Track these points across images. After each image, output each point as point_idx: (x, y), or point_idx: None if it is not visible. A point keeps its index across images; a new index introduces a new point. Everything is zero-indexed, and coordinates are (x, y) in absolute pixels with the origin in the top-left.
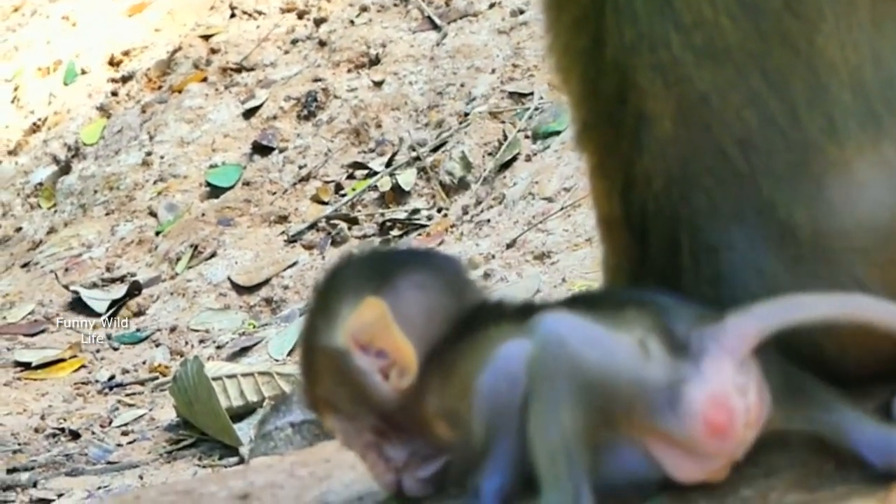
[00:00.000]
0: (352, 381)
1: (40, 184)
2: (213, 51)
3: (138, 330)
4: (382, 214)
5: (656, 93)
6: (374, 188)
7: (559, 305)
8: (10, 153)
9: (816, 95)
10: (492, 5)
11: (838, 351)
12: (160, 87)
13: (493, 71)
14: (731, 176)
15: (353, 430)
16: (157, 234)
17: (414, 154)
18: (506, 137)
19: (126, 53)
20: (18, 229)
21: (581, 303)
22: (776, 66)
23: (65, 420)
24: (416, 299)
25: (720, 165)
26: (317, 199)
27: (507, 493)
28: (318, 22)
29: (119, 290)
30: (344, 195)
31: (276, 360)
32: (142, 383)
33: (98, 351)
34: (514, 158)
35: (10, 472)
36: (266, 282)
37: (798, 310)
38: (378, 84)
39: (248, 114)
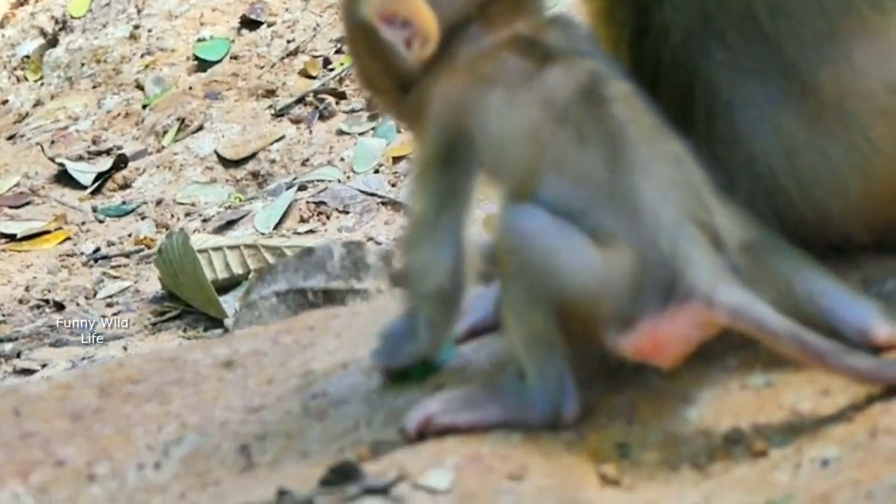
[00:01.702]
0: (382, 54)
1: (27, 56)
2: None
3: (124, 203)
4: None
5: None
6: None
7: None
8: None
9: None
10: None
11: (845, 213)
12: None
13: None
14: (756, 36)
15: (391, 103)
16: (144, 107)
17: None
18: None
19: None
20: (5, 102)
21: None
22: None
23: (49, 292)
24: None
25: (746, 24)
26: (305, 74)
27: None
28: None
29: (105, 163)
30: (332, 69)
31: (262, 234)
32: (127, 256)
33: (83, 223)
34: None
35: None
36: (253, 155)
37: (769, 324)
38: None
39: None
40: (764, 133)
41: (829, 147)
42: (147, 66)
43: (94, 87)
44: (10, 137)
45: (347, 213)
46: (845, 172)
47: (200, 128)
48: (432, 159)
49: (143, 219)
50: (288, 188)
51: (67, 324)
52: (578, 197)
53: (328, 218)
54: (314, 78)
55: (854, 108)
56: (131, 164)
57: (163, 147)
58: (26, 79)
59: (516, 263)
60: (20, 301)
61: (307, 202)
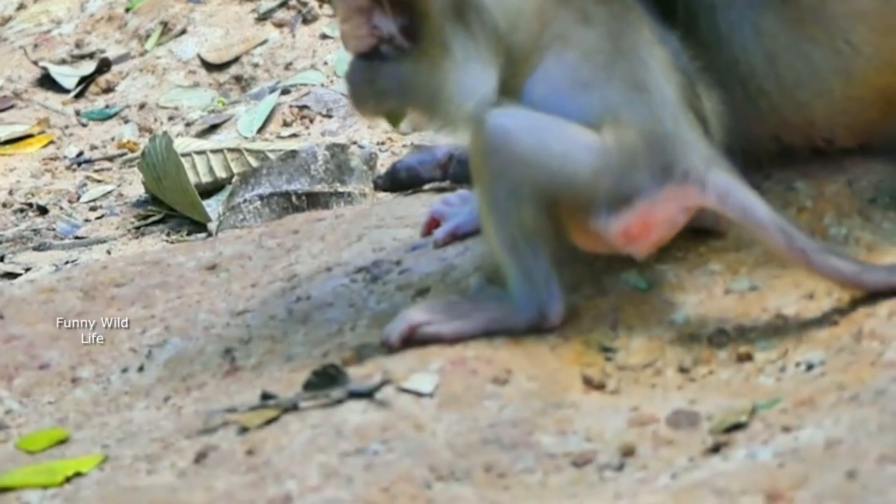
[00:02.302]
0: None
1: None
2: None
3: (107, 106)
4: None
5: None
6: None
7: None
8: None
9: None
10: None
11: (827, 115)
12: None
13: None
14: None
15: None
16: (127, 10)
17: None
18: None
19: None
20: None
21: None
22: None
23: (33, 195)
24: None
25: None
26: None
27: None
28: None
29: (88, 67)
30: None
31: (246, 138)
32: (110, 159)
33: (66, 127)
34: None
35: None
36: (236, 59)
37: (756, 212)
38: None
39: None
40: (745, 36)
41: (810, 50)
42: None
43: None
44: None
45: (331, 116)
46: (827, 75)
47: (183, 31)
48: (451, 23)
49: (126, 123)
50: (271, 92)
51: (51, 228)
52: (584, 71)
53: (311, 122)
54: None
55: (834, 10)
56: (114, 68)
57: (146, 51)
58: None
59: (500, 162)
60: (3, 205)
61: (290, 106)
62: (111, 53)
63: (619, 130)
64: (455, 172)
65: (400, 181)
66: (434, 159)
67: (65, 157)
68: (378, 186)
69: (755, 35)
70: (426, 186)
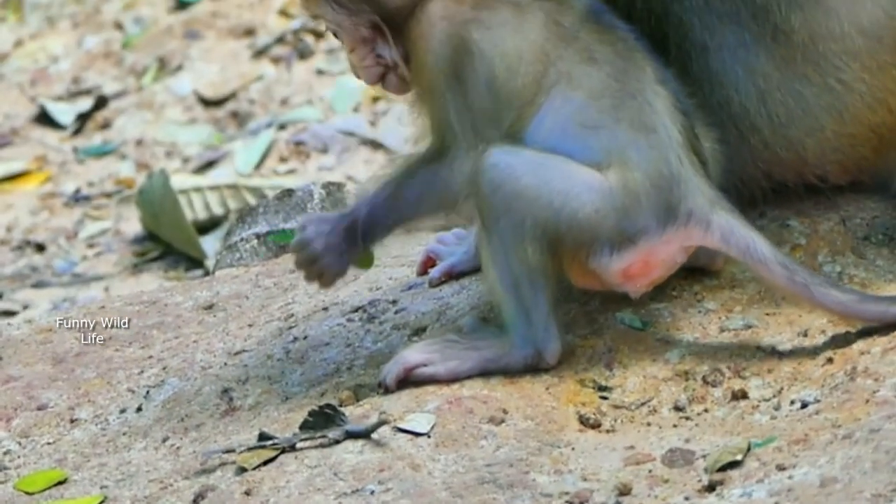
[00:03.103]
0: None
1: None
2: None
3: (104, 143)
4: None
5: None
6: None
7: None
8: None
9: None
10: None
11: (819, 152)
12: None
13: None
14: None
15: (351, 25)
16: (124, 47)
17: None
18: None
19: None
20: None
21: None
22: None
23: (30, 232)
24: None
25: None
26: (284, 13)
27: None
28: None
29: (85, 103)
30: None
31: (242, 174)
32: (107, 196)
33: (64, 163)
34: None
35: None
36: (232, 95)
37: (758, 249)
38: None
39: None
40: (737, 75)
41: (802, 88)
42: (126, 6)
43: (74, 27)
44: None
45: (327, 152)
46: (818, 112)
47: (180, 68)
48: (443, 76)
49: (123, 159)
50: (268, 128)
51: (49, 265)
52: (591, 112)
53: (308, 157)
54: (293, 17)
55: (826, 50)
56: (111, 104)
57: (142, 87)
58: (6, 19)
59: (502, 199)
60: (1, 242)
61: (287, 142)
62: (108, 90)
63: (625, 172)
64: None
65: None
66: None
67: (62, 194)
68: None
69: (747, 74)
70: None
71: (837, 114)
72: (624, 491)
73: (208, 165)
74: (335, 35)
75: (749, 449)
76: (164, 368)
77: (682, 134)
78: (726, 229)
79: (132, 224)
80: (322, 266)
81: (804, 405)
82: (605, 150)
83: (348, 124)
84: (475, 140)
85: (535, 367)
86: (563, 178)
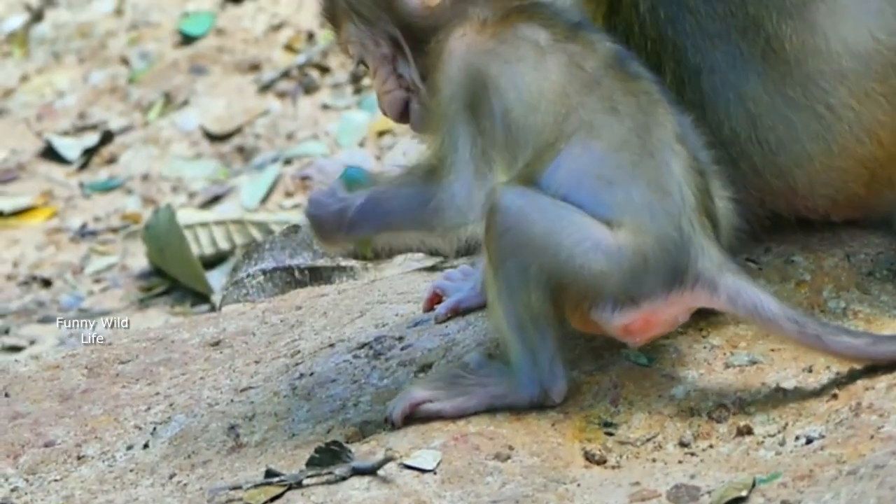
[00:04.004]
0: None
1: (13, 32)
2: None
3: (110, 178)
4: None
5: None
6: None
7: None
8: None
9: None
10: None
11: (808, 183)
12: None
13: None
14: None
15: (371, 40)
16: (130, 82)
17: None
18: None
19: None
20: None
21: None
22: None
23: (37, 268)
24: None
25: None
26: (289, 48)
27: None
28: None
29: (91, 138)
30: (316, 44)
31: (248, 209)
32: (114, 231)
33: (70, 199)
34: None
35: None
36: (238, 130)
37: (765, 308)
38: None
39: None
40: (728, 99)
41: (790, 113)
42: (132, 41)
43: (79, 63)
44: None
45: None
46: (806, 140)
47: (186, 102)
48: (458, 106)
49: (129, 194)
50: (273, 162)
51: (55, 300)
52: (610, 167)
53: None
54: (298, 52)
55: (814, 70)
56: (117, 139)
57: (148, 122)
58: (12, 54)
59: (512, 240)
60: (8, 277)
61: (292, 177)
62: (114, 125)
63: (636, 234)
64: None
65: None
66: None
67: (68, 229)
68: (355, 256)
69: (737, 98)
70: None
71: (825, 143)
72: None
73: (214, 200)
74: (360, 61)
75: (754, 485)
76: (170, 405)
77: (696, 196)
78: (733, 291)
79: (138, 259)
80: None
81: (809, 441)
82: (619, 207)
83: (354, 159)
84: (479, 172)
85: (540, 406)
86: (573, 232)
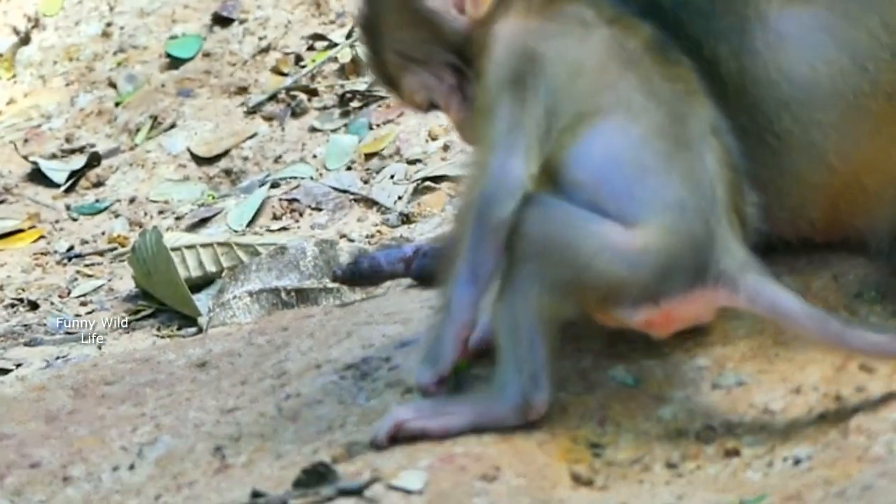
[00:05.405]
0: (424, 23)
1: (0, 55)
2: None
3: (97, 201)
4: (342, 86)
5: None
6: (335, 59)
7: None
8: None
9: None
10: None
11: (767, 208)
12: None
13: None
14: (656, 10)
15: (433, 79)
16: (117, 104)
17: None
18: None
19: None
20: None
21: None
22: None
23: (23, 290)
24: None
25: (646, 6)
26: (277, 71)
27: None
28: None
29: (78, 161)
30: (304, 66)
31: (236, 231)
32: (101, 254)
33: (57, 222)
34: None
35: None
36: (226, 153)
37: (786, 307)
38: None
39: None
40: None
41: (741, 139)
42: (119, 64)
43: (66, 85)
44: None
45: (320, 210)
46: (759, 167)
47: (173, 125)
48: (503, 85)
49: (116, 217)
50: (261, 185)
51: (41, 323)
52: (645, 154)
53: (301, 215)
54: (286, 75)
55: (756, 96)
56: (104, 162)
57: (136, 145)
58: None
59: (529, 248)
60: None
61: (280, 199)
62: (101, 147)
63: (664, 233)
64: (418, 268)
65: (361, 274)
66: (400, 254)
67: (55, 252)
68: (336, 278)
69: None
70: (386, 283)
71: (778, 170)
72: None
73: (201, 223)
74: (430, 106)
75: None
76: (156, 426)
77: (727, 192)
78: (752, 290)
79: (125, 282)
80: None
81: (797, 462)
82: (650, 201)
83: (341, 182)
84: (517, 147)
85: (524, 417)
86: (592, 242)
